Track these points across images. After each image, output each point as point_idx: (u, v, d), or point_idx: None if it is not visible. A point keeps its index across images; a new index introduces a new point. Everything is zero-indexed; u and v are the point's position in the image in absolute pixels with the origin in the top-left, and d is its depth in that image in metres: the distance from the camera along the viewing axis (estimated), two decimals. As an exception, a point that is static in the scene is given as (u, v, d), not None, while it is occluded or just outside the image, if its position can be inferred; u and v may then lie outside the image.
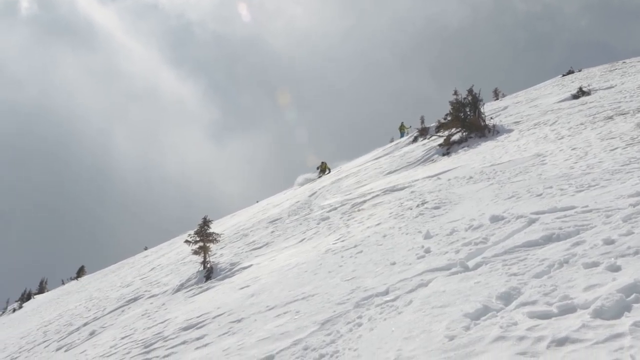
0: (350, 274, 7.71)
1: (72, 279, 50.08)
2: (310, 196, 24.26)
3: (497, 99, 40.43)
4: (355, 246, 9.67)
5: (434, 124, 27.91)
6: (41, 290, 53.06)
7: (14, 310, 43.09)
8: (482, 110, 20.40)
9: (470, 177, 12.10)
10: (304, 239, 13.41)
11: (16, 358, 15.84)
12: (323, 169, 37.13)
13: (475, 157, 15.17)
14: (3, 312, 47.93)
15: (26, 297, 47.85)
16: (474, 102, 20.49)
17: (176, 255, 24.59)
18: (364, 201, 15.01)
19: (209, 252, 15.02)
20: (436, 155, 19.24)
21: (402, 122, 42.27)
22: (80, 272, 51.21)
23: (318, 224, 14.80)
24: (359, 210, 14.05)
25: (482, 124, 19.65)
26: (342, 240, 10.90)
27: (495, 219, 7.47)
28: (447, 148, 19.59)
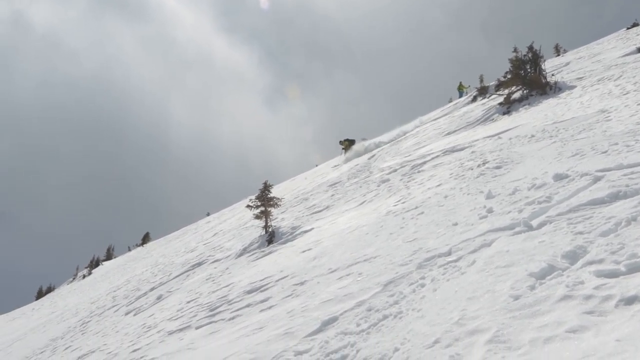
0: (412, 236, 7.70)
1: (137, 246, 51.32)
2: (369, 159, 24.21)
3: (558, 55, 39.36)
4: (416, 208, 9.63)
5: (493, 83, 27.41)
6: (109, 257, 54.52)
7: (84, 276, 44.46)
8: (543, 67, 19.90)
9: (532, 136, 11.86)
10: (364, 202, 13.42)
11: (87, 322, 16.37)
12: (346, 147, 35.78)
13: (537, 115, 14.86)
14: (73, 279, 49.53)
15: (94, 263, 49.27)
16: (535, 58, 20.00)
17: (238, 220, 24.93)
18: (424, 162, 14.90)
19: (270, 217, 15.16)
20: (496, 114, 18.90)
21: (461, 82, 41.63)
22: (145, 239, 52.41)
23: (378, 186, 14.77)
24: (419, 172, 13.96)
25: (543, 81, 19.18)
26: (403, 202, 10.86)
27: (558, 177, 7.33)
28: (508, 107, 19.22)
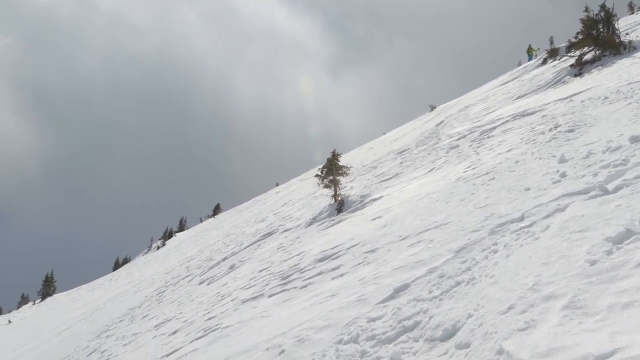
0: (483, 202, 7.62)
1: (209, 217, 52.24)
2: (437, 125, 23.96)
3: (632, 13, 37.93)
4: (486, 173, 9.51)
5: (564, 44, 26.62)
6: (181, 228, 55.69)
7: (158, 247, 45.58)
8: (616, 26, 19.22)
9: (606, 98, 11.51)
10: (433, 169, 13.32)
11: (163, 292, 16.82)
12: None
13: (610, 76, 14.39)
14: (148, 250, 50.83)
15: (168, 235, 50.41)
16: (607, 17, 19.31)
17: (307, 189, 25.08)
18: (494, 127, 14.65)
19: (339, 185, 15.20)
20: (567, 77, 18.39)
21: (530, 45, 40.53)
22: (216, 210, 53.29)
23: (447, 152, 14.63)
24: (488, 137, 13.75)
25: (617, 40, 18.53)
26: (473, 168, 10.74)
27: (635, 139, 7.10)
28: (579, 68, 18.68)
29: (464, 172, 10.79)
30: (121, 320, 15.50)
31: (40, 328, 29.78)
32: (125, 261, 56.42)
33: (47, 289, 51.31)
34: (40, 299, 50.71)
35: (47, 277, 52.04)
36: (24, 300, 55.93)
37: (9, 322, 40.97)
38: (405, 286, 5.62)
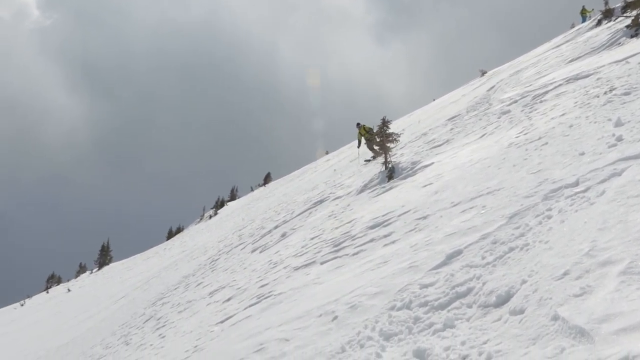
0: (536, 167, 7.51)
1: (259, 186, 52.66)
2: (488, 91, 23.59)
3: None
4: (539, 138, 9.36)
5: (619, 5, 25.85)
6: (233, 197, 56.26)
7: (210, 217, 46.18)
8: (675, -17, 18.58)
9: (665, 58, 11.17)
10: (484, 134, 13.15)
11: (216, 260, 17.07)
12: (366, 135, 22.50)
13: (670, 35, 13.95)
14: (201, 219, 51.53)
15: (220, 204, 50.98)
16: (666, -26, 18.69)
17: (356, 157, 25.03)
18: (546, 92, 14.36)
19: (390, 152, 15.13)
20: (623, 38, 17.87)
21: (584, 6, 39.52)
22: (267, 179, 53.68)
23: (499, 118, 14.42)
24: (541, 102, 13.49)
25: (676, -2, 17.94)
26: (525, 133, 10.57)
27: (695, 100, 6.90)
28: (636, 29, 18.14)
29: (516, 137, 10.63)
30: (176, 288, 15.81)
31: (98, 296, 30.61)
32: (179, 230, 57.34)
33: (104, 258, 52.61)
34: (97, 268, 52.04)
35: (103, 246, 53.34)
36: (81, 269, 57.46)
37: (69, 290, 42.21)
38: (458, 252, 5.60)
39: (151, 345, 10.03)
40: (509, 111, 14.57)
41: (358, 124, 23.22)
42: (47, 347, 20.61)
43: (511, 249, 5.05)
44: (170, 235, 57.23)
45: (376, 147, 19.34)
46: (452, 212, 7.40)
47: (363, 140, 22.88)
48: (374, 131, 19.49)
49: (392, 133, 15.28)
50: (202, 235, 33.84)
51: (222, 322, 8.35)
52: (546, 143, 8.71)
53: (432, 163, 12.60)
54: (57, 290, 48.55)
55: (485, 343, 3.78)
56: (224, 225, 31.96)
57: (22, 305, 45.52)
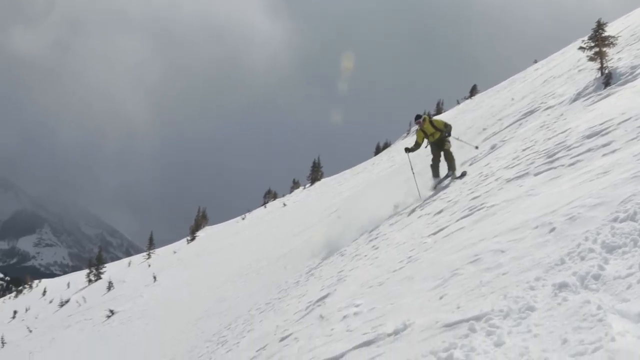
0: None
1: (465, 99, 51.71)
2: None
3: None
4: None
5: None
6: (438, 111, 55.88)
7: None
8: None
9: None
10: None
11: (424, 174, 17.17)
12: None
13: None
14: (407, 134, 51.90)
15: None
16: None
17: (569, 64, 23.74)
18: None
19: (606, 57, 14.18)
20: None
21: None
22: (473, 91, 52.61)
23: None
24: None
25: None
26: None
27: None
28: None
29: None
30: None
31: (312, 210, 32.12)
32: (386, 146, 58.22)
33: (315, 174, 54.83)
34: (309, 184, 54.40)
35: (314, 163, 55.53)
36: (295, 185, 60.41)
37: (284, 205, 44.67)
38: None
39: (365, 256, 10.40)
40: None
41: (419, 117, 14.22)
42: (268, 256, 22.14)
43: None
44: (378, 150, 58.31)
45: (450, 150, 13.46)
46: (681, 117, 6.88)
47: (425, 143, 14.21)
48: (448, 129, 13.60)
49: (609, 36, 14.26)
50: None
51: (434, 234, 8.46)
52: None
53: (656, 66, 11.68)
54: (273, 205, 51.57)
55: None
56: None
57: (243, 219, 48.97)
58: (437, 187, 13.37)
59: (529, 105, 17.82)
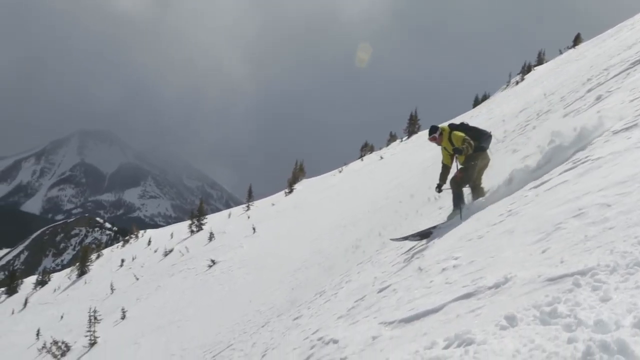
0: None
1: (568, 48, 49.83)
2: None
3: None
4: None
5: None
6: (540, 62, 54.16)
7: (517, 82, 45.05)
8: None
9: None
10: None
11: (525, 126, 16.79)
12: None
13: None
14: (507, 85, 50.59)
15: (527, 69, 49.39)
16: None
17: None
18: None
19: None
20: None
21: None
22: (577, 41, 50.54)
23: None
24: None
25: None
26: None
27: None
28: None
29: None
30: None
31: (408, 163, 31.97)
32: (484, 98, 56.96)
33: (412, 127, 54.41)
34: (406, 137, 54.04)
35: (411, 115, 55.07)
36: (392, 138, 60.11)
37: (381, 158, 44.63)
38: None
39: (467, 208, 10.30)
40: None
41: (435, 130, 10.76)
42: (363, 210, 22.30)
43: None
44: (476, 102, 57.21)
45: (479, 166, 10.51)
46: None
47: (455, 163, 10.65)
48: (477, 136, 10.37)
49: None
50: (508, 102, 33.25)
51: (536, 187, 8.30)
52: None
53: None
54: (370, 157, 51.57)
55: None
56: (531, 90, 31.01)
57: (340, 172, 49.26)
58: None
59: (637, 53, 17.03)
